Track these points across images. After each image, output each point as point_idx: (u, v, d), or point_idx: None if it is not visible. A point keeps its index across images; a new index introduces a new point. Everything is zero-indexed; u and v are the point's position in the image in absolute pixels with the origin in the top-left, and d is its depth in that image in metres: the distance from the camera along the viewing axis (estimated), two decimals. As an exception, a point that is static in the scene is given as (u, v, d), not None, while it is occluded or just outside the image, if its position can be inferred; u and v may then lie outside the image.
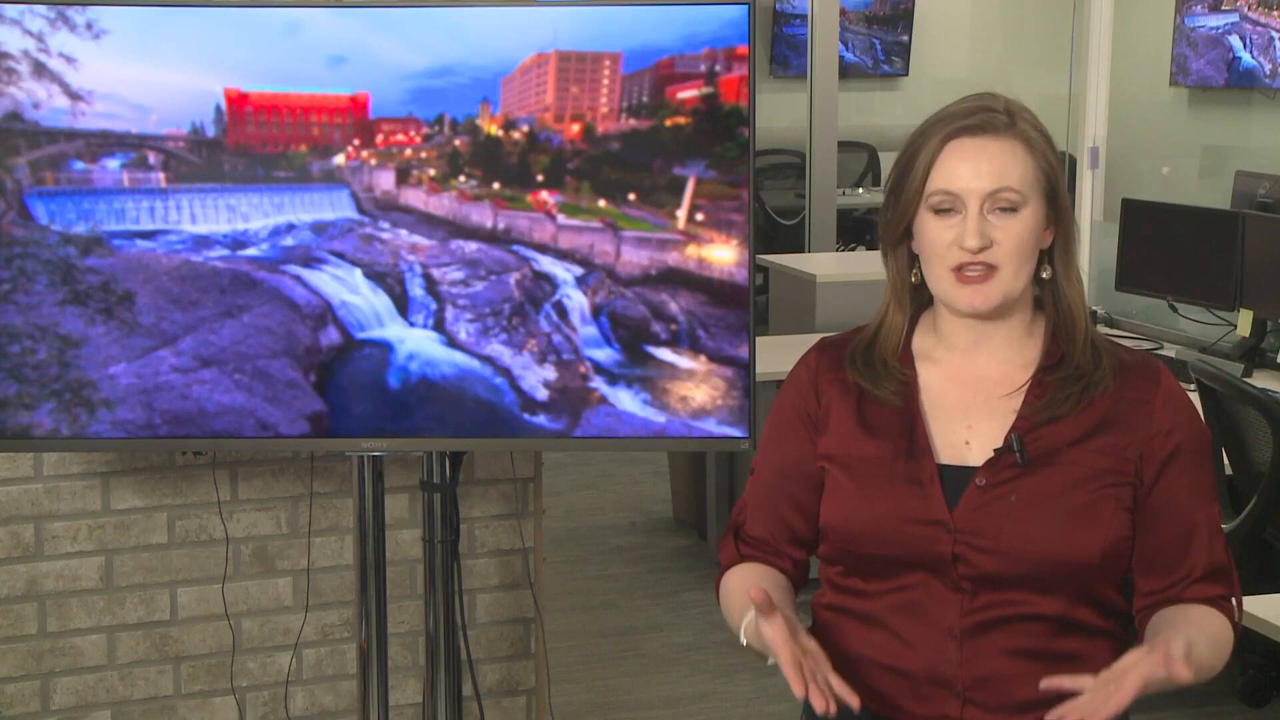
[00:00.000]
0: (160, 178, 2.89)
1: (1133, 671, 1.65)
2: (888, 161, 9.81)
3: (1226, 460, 3.93)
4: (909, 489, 1.86)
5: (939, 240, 1.84)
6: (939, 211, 1.84)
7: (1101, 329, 5.37)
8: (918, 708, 1.88)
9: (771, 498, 1.99)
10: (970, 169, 1.82)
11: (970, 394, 1.90)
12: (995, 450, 1.85)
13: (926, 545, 1.84)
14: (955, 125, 1.84)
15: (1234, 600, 1.90)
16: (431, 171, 2.90)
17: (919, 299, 1.95)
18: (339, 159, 2.91)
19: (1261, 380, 4.49)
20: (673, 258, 2.90)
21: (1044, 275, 1.89)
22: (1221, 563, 1.89)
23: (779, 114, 8.87)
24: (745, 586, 1.87)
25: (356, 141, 2.89)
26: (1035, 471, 1.84)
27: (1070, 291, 1.89)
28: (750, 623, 1.80)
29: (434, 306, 2.94)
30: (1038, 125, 1.87)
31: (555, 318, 2.94)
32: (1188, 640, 1.70)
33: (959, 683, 1.85)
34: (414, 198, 2.92)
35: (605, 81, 2.86)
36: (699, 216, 2.88)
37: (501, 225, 2.92)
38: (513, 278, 2.93)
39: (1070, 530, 1.82)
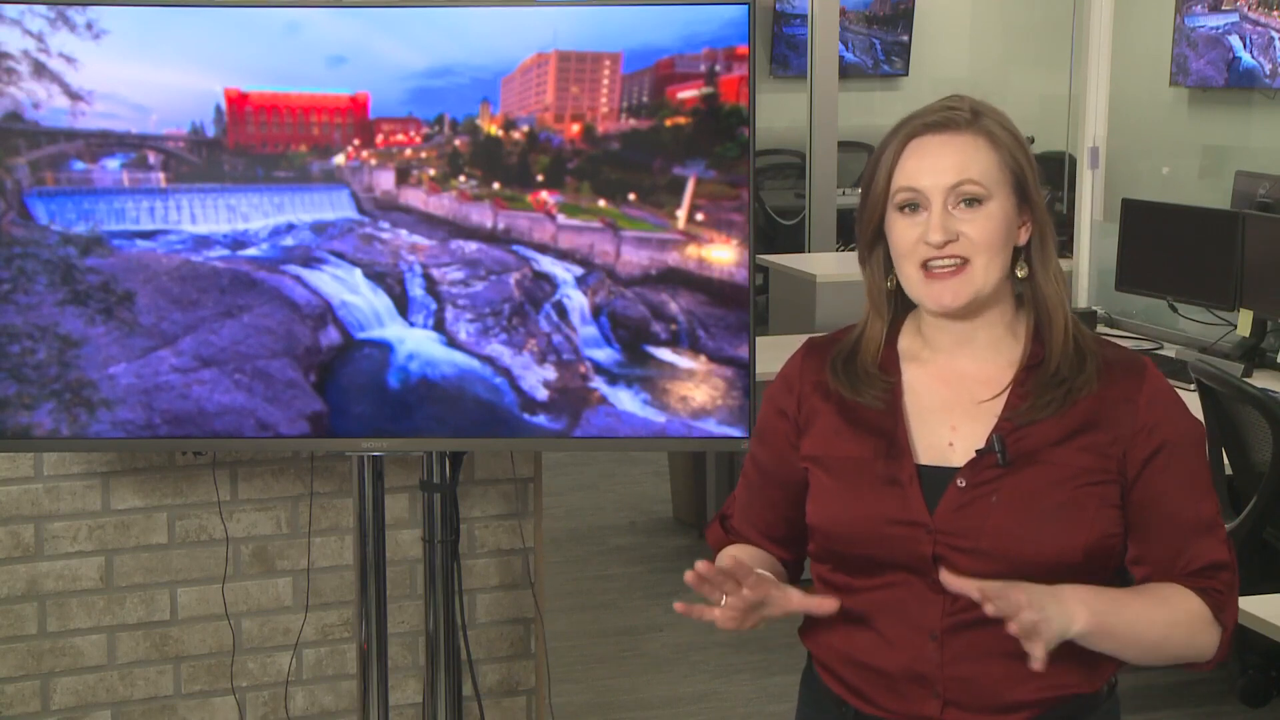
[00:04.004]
0: (160, 178, 2.89)
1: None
2: (888, 161, 9.84)
3: (1226, 460, 3.93)
4: (888, 489, 1.86)
5: (905, 238, 1.85)
6: (905, 210, 1.85)
7: (1101, 329, 5.38)
8: (898, 706, 1.88)
9: (754, 499, 2.04)
10: (930, 164, 1.83)
11: (953, 394, 1.90)
12: (977, 451, 1.85)
13: (907, 546, 1.84)
14: (916, 123, 1.86)
15: (1225, 596, 1.87)
16: (431, 171, 2.90)
17: (903, 304, 1.95)
18: (339, 159, 2.91)
19: (1261, 380, 4.49)
20: (673, 258, 2.90)
21: (1020, 274, 1.88)
22: (1217, 559, 1.87)
23: (779, 114, 8.86)
24: (736, 555, 1.95)
25: (356, 141, 2.89)
26: (1016, 471, 1.83)
27: (1048, 289, 1.89)
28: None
29: (434, 306, 2.94)
30: (1006, 124, 1.88)
31: (555, 318, 2.94)
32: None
33: (939, 683, 1.85)
34: (414, 198, 2.92)
35: (605, 81, 2.86)
36: (699, 216, 2.88)
37: (501, 225, 2.92)
38: (513, 278, 2.93)
39: (1052, 529, 1.82)
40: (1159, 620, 1.83)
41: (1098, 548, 1.83)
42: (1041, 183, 1.91)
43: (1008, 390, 1.88)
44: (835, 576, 1.92)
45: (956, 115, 1.85)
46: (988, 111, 1.87)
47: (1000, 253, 1.85)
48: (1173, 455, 1.86)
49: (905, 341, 1.94)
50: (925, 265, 1.83)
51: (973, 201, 1.83)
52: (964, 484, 1.84)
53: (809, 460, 1.93)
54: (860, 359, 1.93)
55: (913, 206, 1.84)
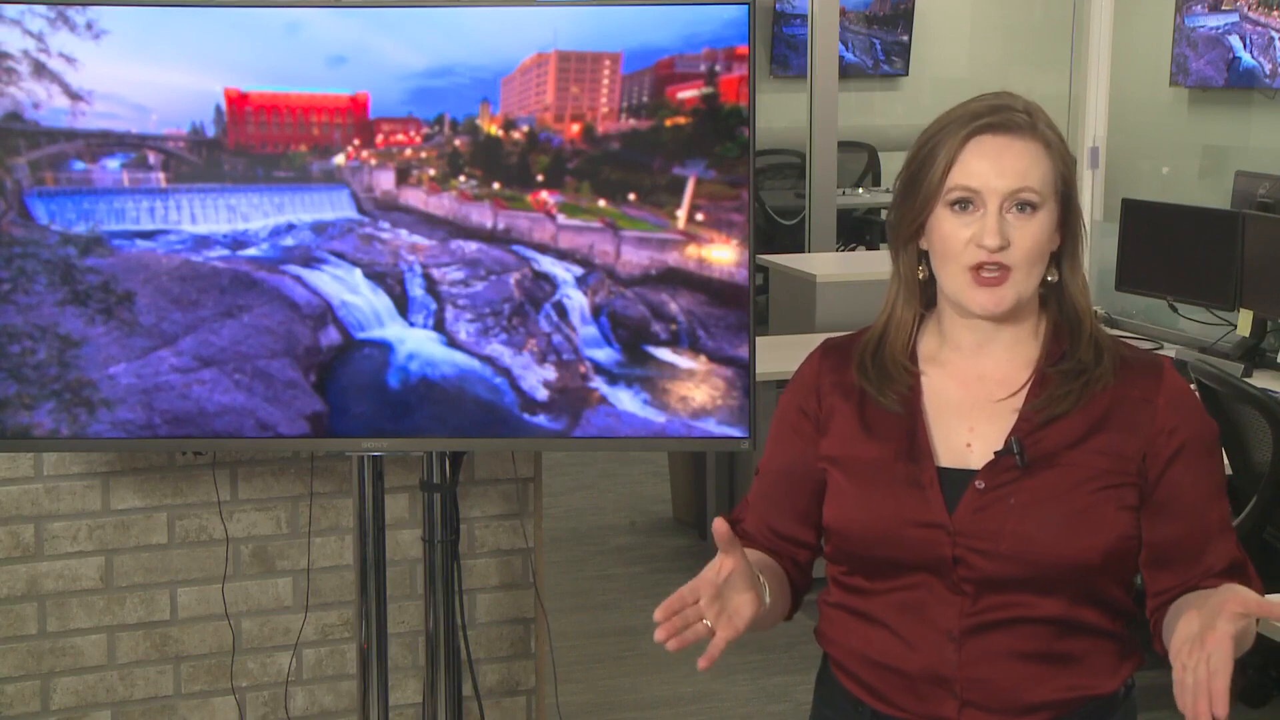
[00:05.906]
0: (160, 178, 2.89)
1: (1215, 630, 1.60)
2: (888, 161, 9.82)
3: (1226, 460, 3.94)
4: (909, 491, 1.86)
5: (955, 238, 1.82)
6: (956, 208, 1.83)
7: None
8: (916, 707, 1.88)
9: (770, 501, 2.01)
10: (992, 167, 1.81)
11: (972, 396, 1.89)
12: (995, 453, 1.85)
13: (927, 548, 1.84)
14: (978, 123, 1.82)
15: (1260, 590, 1.87)
16: (431, 171, 2.90)
17: (924, 297, 1.94)
18: (339, 159, 2.91)
19: (1261, 380, 4.49)
20: (673, 258, 2.90)
21: (1050, 278, 1.87)
22: (1239, 557, 1.88)
23: (779, 114, 8.87)
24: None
25: (356, 141, 2.89)
26: (1035, 473, 1.83)
27: (1077, 295, 1.89)
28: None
29: (434, 306, 2.94)
30: (1054, 127, 1.87)
31: (555, 318, 2.94)
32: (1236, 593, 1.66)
33: (957, 684, 1.85)
34: (414, 198, 2.92)
35: (605, 81, 2.86)
36: (699, 216, 2.88)
37: (501, 225, 2.92)
38: (513, 278, 2.93)
39: (1070, 531, 1.81)
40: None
41: (1115, 551, 1.83)
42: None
43: (1026, 388, 1.87)
44: (852, 580, 1.92)
45: (1016, 117, 1.83)
46: (1038, 113, 1.86)
47: (1041, 261, 1.84)
48: (1193, 455, 1.86)
49: (925, 343, 1.94)
50: (973, 269, 1.82)
51: (1025, 207, 1.81)
52: (983, 486, 1.84)
53: (827, 461, 1.93)
54: (889, 349, 1.92)
55: (963, 204, 1.82)
